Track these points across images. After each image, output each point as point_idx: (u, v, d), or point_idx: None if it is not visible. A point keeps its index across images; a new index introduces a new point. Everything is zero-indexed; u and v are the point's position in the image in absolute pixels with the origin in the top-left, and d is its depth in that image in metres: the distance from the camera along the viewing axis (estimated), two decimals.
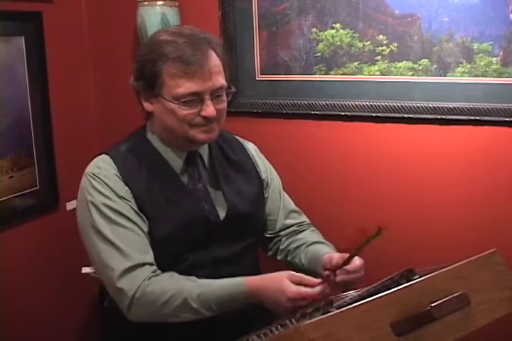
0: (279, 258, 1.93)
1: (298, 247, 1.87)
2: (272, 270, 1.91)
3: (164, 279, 1.63)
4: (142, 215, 1.68)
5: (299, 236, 1.91)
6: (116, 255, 1.64)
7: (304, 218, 1.99)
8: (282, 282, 1.55)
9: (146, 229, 1.68)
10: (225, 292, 1.60)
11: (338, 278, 1.62)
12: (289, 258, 1.90)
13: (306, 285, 1.54)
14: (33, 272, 2.18)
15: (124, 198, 1.67)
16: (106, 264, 1.64)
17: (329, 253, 1.72)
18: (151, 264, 1.65)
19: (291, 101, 2.15)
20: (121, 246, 1.63)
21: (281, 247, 1.92)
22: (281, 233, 1.93)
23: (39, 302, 2.20)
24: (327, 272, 1.65)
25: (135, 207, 1.68)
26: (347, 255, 1.63)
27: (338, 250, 1.83)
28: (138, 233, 1.66)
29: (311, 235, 1.91)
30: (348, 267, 1.62)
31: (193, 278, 1.65)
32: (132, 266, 1.62)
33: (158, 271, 1.65)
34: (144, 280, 1.61)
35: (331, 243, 1.86)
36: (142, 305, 1.62)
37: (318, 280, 1.55)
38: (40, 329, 2.20)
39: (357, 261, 1.63)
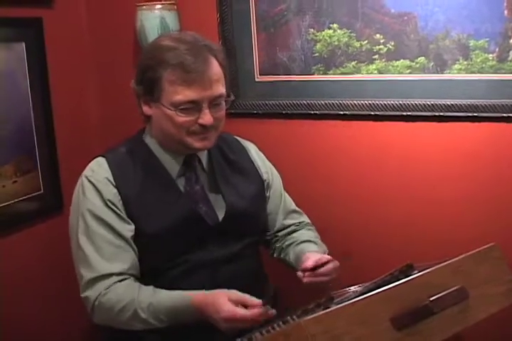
0: (274, 255, 1.95)
1: (289, 245, 1.89)
2: (276, 269, 1.94)
3: (121, 289, 1.65)
4: (128, 220, 1.69)
5: (294, 234, 1.93)
6: (86, 264, 1.67)
7: (303, 218, 2.00)
8: (219, 301, 1.53)
9: (130, 234, 1.69)
10: (172, 304, 1.60)
11: (305, 279, 1.62)
12: (281, 256, 1.91)
13: (246, 306, 1.51)
14: (38, 275, 2.19)
15: (110, 201, 1.69)
16: (78, 271, 1.70)
17: (309, 253, 1.72)
18: (119, 274, 1.66)
19: (291, 102, 2.16)
20: (92, 256, 1.67)
21: (278, 245, 1.94)
22: (280, 233, 1.95)
23: (43, 305, 2.21)
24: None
25: (121, 212, 1.69)
26: (324, 257, 1.64)
27: (335, 251, 1.85)
28: (114, 243, 1.67)
29: (304, 234, 1.93)
30: (318, 270, 1.62)
31: (150, 287, 1.66)
32: (98, 276, 1.66)
33: (126, 281, 1.66)
34: (104, 289, 1.65)
35: (325, 241, 1.86)
36: (100, 313, 1.67)
37: (258, 302, 1.50)
38: (42, 333, 2.21)
39: (330, 264, 1.63)
